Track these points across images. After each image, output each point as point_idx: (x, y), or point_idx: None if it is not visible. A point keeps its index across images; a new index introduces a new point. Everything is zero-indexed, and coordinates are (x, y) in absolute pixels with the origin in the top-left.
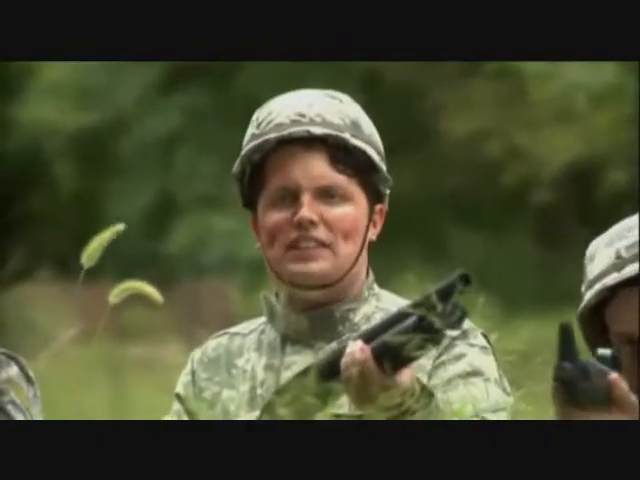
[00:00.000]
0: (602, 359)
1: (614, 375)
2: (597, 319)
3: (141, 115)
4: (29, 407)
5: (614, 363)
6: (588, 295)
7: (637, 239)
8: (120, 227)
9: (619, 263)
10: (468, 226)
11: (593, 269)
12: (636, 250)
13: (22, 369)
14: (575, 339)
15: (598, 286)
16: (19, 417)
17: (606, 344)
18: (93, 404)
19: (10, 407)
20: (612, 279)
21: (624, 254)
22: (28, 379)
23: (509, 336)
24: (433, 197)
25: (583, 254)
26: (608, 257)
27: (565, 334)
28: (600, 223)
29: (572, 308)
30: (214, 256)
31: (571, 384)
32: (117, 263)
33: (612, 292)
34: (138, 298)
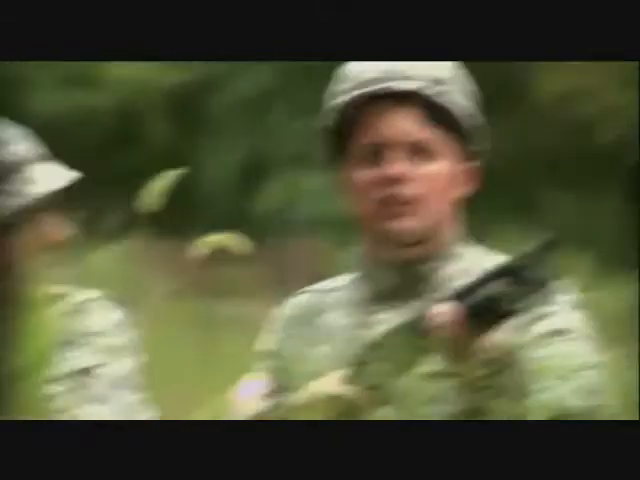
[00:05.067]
0: None
1: None
2: None
3: (234, 74)
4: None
5: None
6: None
7: None
8: (184, 171)
9: None
10: (562, 185)
11: None
12: None
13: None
14: None
15: None
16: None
17: None
18: (185, 360)
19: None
20: None
21: None
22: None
23: (603, 295)
24: (527, 155)
25: None
26: None
27: None
28: None
29: None
30: (304, 214)
31: None
32: (208, 221)
33: None
34: (229, 257)
